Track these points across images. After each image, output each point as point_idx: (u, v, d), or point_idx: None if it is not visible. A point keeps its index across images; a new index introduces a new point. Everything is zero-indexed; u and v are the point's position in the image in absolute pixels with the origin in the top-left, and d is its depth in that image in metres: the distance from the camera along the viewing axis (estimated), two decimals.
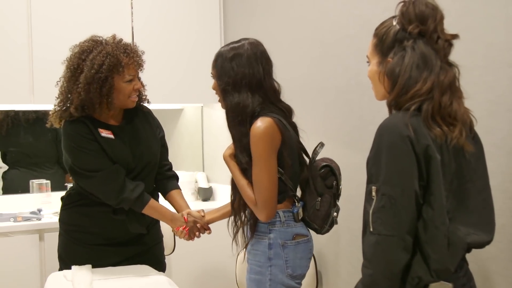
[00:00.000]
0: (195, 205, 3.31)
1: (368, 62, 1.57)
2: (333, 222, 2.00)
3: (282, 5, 3.02)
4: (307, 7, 2.82)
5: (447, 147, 1.40)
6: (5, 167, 3.34)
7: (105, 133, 2.20)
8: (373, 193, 1.38)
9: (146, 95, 2.39)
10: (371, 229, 1.38)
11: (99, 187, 2.18)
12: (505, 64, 1.83)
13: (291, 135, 1.96)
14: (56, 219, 2.36)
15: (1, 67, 2.93)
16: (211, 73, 2.02)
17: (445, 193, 1.38)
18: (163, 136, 2.45)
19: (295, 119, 2.05)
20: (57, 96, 2.22)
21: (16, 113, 3.31)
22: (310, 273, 2.65)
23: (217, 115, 3.64)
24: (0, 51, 2.93)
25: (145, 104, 2.40)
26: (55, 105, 2.22)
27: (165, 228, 2.47)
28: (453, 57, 1.50)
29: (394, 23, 1.48)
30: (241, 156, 1.92)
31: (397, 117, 1.40)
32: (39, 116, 3.31)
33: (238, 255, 2.74)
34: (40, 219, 2.84)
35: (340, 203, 2.04)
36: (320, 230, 2.00)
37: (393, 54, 1.46)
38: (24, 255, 2.78)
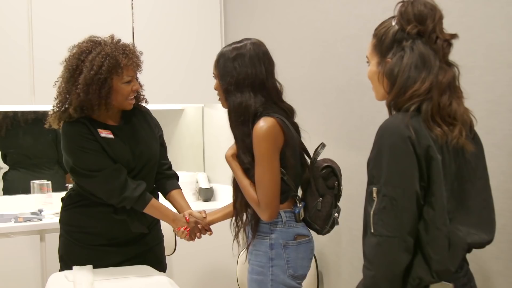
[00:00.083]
0: (196, 205, 3.31)
1: (367, 62, 1.57)
2: (334, 222, 2.00)
3: (282, 5, 3.02)
4: (308, 8, 2.82)
5: (447, 147, 1.40)
6: (6, 168, 3.34)
7: (104, 133, 2.20)
8: (374, 194, 1.38)
9: (143, 95, 2.39)
10: (372, 230, 1.37)
11: (101, 186, 2.19)
12: (506, 64, 1.83)
13: (294, 135, 1.96)
14: (57, 219, 2.36)
15: (2, 68, 2.94)
16: (213, 73, 2.02)
17: (446, 193, 1.38)
18: (162, 135, 2.45)
19: (296, 119, 2.05)
20: (56, 97, 2.21)
21: (15, 114, 3.31)
22: (311, 273, 2.65)
23: (218, 115, 3.64)
24: (1, 52, 2.94)
25: (143, 104, 2.40)
26: (53, 106, 2.22)
27: (166, 229, 2.47)
28: (454, 57, 1.50)
29: (393, 23, 1.48)
30: (244, 156, 1.92)
31: (398, 118, 1.39)
32: (38, 117, 3.31)
33: (239, 256, 2.74)
34: (41, 220, 2.85)
35: (341, 203, 2.04)
36: (321, 231, 2.00)
37: (392, 54, 1.46)
38: (25, 255, 2.78)
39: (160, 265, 2.38)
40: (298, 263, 1.94)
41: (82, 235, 2.26)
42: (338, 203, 2.02)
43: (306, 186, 2.01)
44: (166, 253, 2.51)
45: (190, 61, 3.43)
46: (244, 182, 1.93)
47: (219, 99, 2.02)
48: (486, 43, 1.89)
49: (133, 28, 3.26)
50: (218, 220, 2.27)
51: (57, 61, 2.23)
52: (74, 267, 2.17)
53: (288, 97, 2.05)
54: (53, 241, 2.40)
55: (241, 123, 1.92)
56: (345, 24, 2.57)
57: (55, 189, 3.19)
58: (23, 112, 3.31)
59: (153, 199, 2.25)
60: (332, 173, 2.00)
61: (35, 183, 3.19)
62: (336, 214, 1.99)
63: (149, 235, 2.35)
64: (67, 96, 2.17)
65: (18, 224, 2.79)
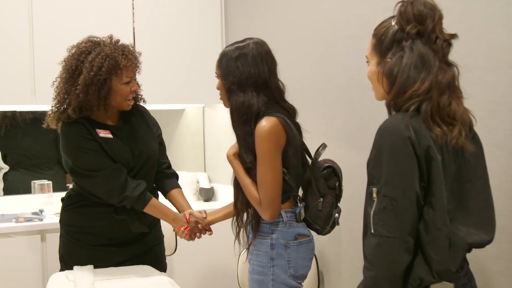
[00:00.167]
0: (197, 205, 3.31)
1: (367, 62, 1.57)
2: (335, 223, 2.00)
3: (283, 5, 3.02)
4: (308, 8, 2.82)
5: (447, 147, 1.39)
6: (6, 168, 3.34)
7: (103, 133, 2.20)
8: (374, 195, 1.38)
9: (141, 95, 2.39)
10: (372, 231, 1.37)
11: (101, 186, 2.18)
12: (506, 64, 1.83)
13: (296, 135, 1.96)
14: (58, 219, 2.36)
15: (3, 69, 2.94)
16: (216, 72, 2.02)
17: (446, 194, 1.37)
18: (160, 134, 2.45)
19: (297, 119, 2.05)
20: (54, 97, 2.21)
21: (14, 114, 3.31)
22: (312, 273, 2.65)
23: (219, 115, 3.64)
24: (2, 53, 2.95)
25: (141, 103, 2.40)
26: (52, 106, 2.21)
27: (167, 229, 2.47)
28: (454, 57, 1.50)
29: (393, 23, 1.48)
30: (246, 155, 1.92)
31: (397, 119, 1.39)
32: (37, 117, 3.30)
33: (240, 255, 2.74)
34: (42, 220, 2.85)
35: (341, 203, 2.04)
36: (322, 231, 2.00)
37: (392, 54, 1.46)
38: (26, 255, 2.78)
39: (160, 265, 2.38)
40: (299, 263, 1.94)
41: (83, 235, 2.26)
42: (338, 204, 2.02)
43: (307, 186, 2.02)
44: (167, 253, 2.51)
45: (190, 61, 3.43)
46: (246, 181, 1.93)
47: (221, 99, 2.02)
48: (486, 43, 1.89)
49: (133, 28, 3.26)
50: (218, 220, 2.27)
51: (57, 61, 2.22)
52: (75, 267, 2.17)
53: (289, 97, 2.05)
54: (54, 241, 2.40)
55: (243, 123, 1.91)
56: (345, 24, 2.56)
57: (55, 189, 3.20)
58: (22, 113, 3.31)
59: (153, 199, 2.25)
60: (333, 173, 2.00)
61: (36, 183, 3.19)
62: (336, 215, 1.99)
63: (149, 235, 2.35)
64: (66, 96, 2.16)
65: (19, 224, 2.79)
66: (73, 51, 2.18)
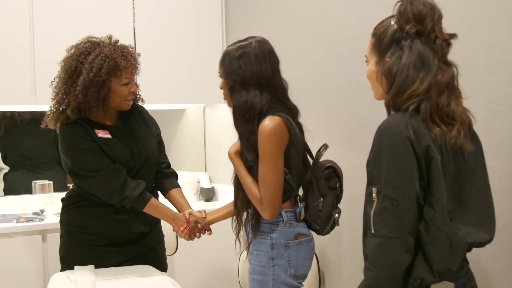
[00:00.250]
0: (198, 205, 3.31)
1: (366, 61, 1.57)
2: (335, 223, 2.00)
3: (283, 5, 3.02)
4: (309, 7, 2.82)
5: (446, 147, 1.39)
6: (7, 168, 3.34)
7: (102, 134, 2.20)
8: (374, 195, 1.38)
9: (140, 95, 2.39)
10: (373, 231, 1.37)
11: (101, 186, 2.18)
12: (508, 64, 1.83)
13: (298, 135, 1.96)
14: (58, 219, 2.36)
15: (4, 69, 2.94)
16: (219, 72, 2.01)
17: (446, 193, 1.37)
18: (159, 133, 2.45)
19: (299, 119, 2.05)
20: (53, 97, 2.20)
21: (13, 114, 3.31)
22: (313, 273, 2.65)
23: (220, 115, 3.64)
24: (3, 53, 2.95)
25: (140, 103, 2.40)
26: (50, 107, 2.21)
27: (168, 229, 2.47)
28: (455, 56, 1.50)
29: (392, 22, 1.48)
30: (248, 154, 1.91)
31: (396, 118, 1.39)
32: (38, 117, 3.30)
33: (240, 255, 2.74)
34: (42, 220, 2.85)
35: (342, 203, 2.04)
36: (321, 231, 2.00)
37: (391, 53, 1.46)
38: (27, 255, 2.78)
39: (160, 265, 2.38)
40: (299, 262, 1.94)
41: (83, 236, 2.26)
42: (338, 205, 2.02)
43: (308, 186, 2.01)
44: (168, 253, 2.51)
45: (191, 61, 3.43)
46: (247, 179, 1.93)
47: (225, 98, 2.02)
48: (488, 42, 1.89)
49: (134, 29, 3.26)
50: (218, 220, 2.27)
51: (58, 61, 2.22)
52: (76, 267, 2.17)
53: (290, 97, 2.05)
54: (55, 241, 2.40)
55: (246, 121, 1.91)
56: (346, 24, 2.56)
57: (56, 189, 3.19)
58: (19, 113, 3.30)
59: (153, 198, 2.25)
60: (334, 173, 2.00)
61: (36, 183, 3.19)
62: (336, 215, 1.98)
63: (149, 235, 2.35)
64: (65, 97, 2.16)
65: (19, 224, 2.79)
66: (72, 51, 2.18)
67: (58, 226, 2.35)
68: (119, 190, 2.16)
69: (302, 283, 1.99)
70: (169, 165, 2.48)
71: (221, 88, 2.02)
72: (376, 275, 1.38)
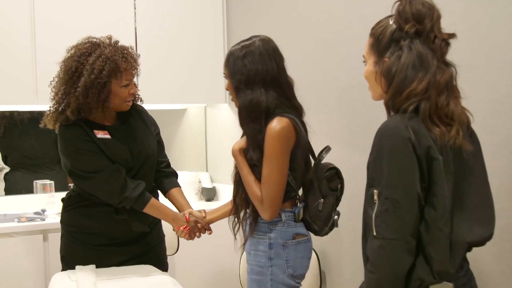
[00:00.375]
0: (199, 205, 3.31)
1: (364, 62, 1.56)
2: (334, 224, 1.99)
3: (285, 5, 3.02)
4: (310, 7, 2.82)
5: (445, 147, 1.39)
6: (7, 168, 3.34)
7: (101, 134, 2.20)
8: (375, 197, 1.37)
9: (139, 94, 2.39)
10: (375, 233, 1.37)
11: (101, 187, 2.18)
12: (509, 63, 1.83)
13: (304, 136, 1.95)
14: (59, 219, 2.37)
15: (5, 69, 2.94)
16: (224, 73, 2.01)
17: (448, 193, 1.37)
18: (159, 132, 2.45)
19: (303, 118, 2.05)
20: (52, 98, 2.20)
21: (12, 114, 3.31)
22: (314, 273, 2.65)
23: (221, 115, 3.64)
24: (4, 53, 2.95)
25: (139, 103, 2.40)
26: (50, 107, 2.21)
27: (169, 228, 2.47)
28: (456, 56, 1.50)
29: (391, 22, 1.47)
30: (253, 153, 1.91)
31: (396, 120, 1.39)
32: (36, 117, 3.30)
33: (241, 255, 2.74)
34: (44, 220, 2.85)
35: (343, 202, 2.04)
36: (320, 232, 1.99)
37: (390, 54, 1.45)
38: (28, 255, 2.78)
39: (161, 265, 2.38)
40: (297, 262, 1.94)
41: (84, 235, 2.26)
42: (337, 207, 2.01)
43: (309, 186, 2.01)
44: (169, 252, 2.51)
45: (192, 61, 3.42)
46: (249, 178, 1.92)
47: (232, 99, 2.01)
48: (488, 42, 1.89)
49: (135, 29, 3.26)
50: (217, 219, 2.27)
51: (59, 61, 2.22)
52: (77, 267, 2.17)
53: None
54: (56, 241, 2.40)
55: (252, 120, 1.90)
56: (347, 24, 2.56)
57: (57, 189, 3.19)
58: (19, 113, 3.30)
59: (153, 199, 2.25)
60: (336, 175, 2.00)
61: (38, 183, 3.20)
62: (336, 217, 1.98)
63: (150, 235, 2.35)
64: (65, 97, 2.15)
65: (21, 224, 2.79)
66: (72, 52, 2.17)
67: (59, 226, 2.35)
68: (119, 190, 2.16)
69: (301, 283, 1.99)
70: (168, 164, 2.48)
71: (227, 89, 2.02)
72: (378, 277, 1.37)
